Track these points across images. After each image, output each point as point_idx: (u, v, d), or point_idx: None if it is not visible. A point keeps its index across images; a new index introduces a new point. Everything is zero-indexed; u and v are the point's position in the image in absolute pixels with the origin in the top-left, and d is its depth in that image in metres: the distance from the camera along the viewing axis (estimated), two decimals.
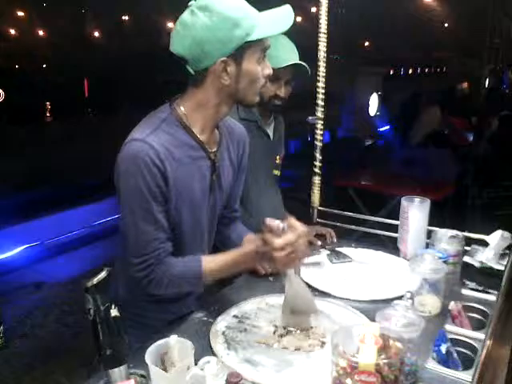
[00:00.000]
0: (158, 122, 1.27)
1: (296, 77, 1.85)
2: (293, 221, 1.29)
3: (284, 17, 1.27)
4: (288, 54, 1.81)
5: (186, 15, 1.23)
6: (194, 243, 1.41)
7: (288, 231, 1.26)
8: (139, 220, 1.25)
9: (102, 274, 1.03)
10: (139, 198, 1.23)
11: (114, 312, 1.02)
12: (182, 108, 1.30)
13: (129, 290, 1.41)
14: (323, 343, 1.30)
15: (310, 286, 1.62)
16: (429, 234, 1.79)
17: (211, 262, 1.34)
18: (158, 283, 1.29)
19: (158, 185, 1.24)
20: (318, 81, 2.18)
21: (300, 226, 1.28)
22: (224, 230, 1.58)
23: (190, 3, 1.24)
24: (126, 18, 22.45)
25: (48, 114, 11.86)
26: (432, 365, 1.20)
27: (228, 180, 1.46)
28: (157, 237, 1.28)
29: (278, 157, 2.07)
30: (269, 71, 1.30)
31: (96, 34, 22.65)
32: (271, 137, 2.01)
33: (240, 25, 1.20)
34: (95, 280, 1.02)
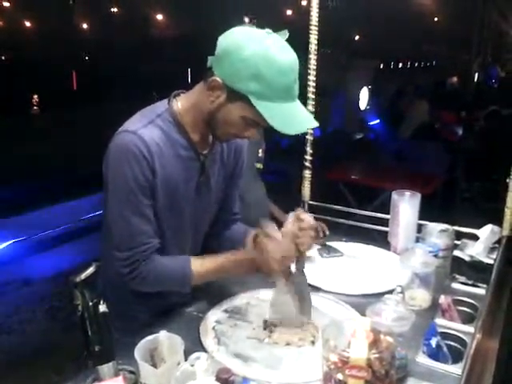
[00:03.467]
0: (153, 116, 1.26)
1: None
2: (302, 213, 1.30)
3: (298, 124, 1.18)
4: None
5: (258, 31, 1.16)
6: (175, 246, 1.37)
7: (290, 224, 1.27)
8: (126, 211, 1.23)
9: (90, 270, 1.01)
10: (127, 190, 1.22)
11: (102, 308, 1.01)
12: (180, 106, 1.28)
13: (112, 284, 1.37)
14: (314, 337, 1.29)
15: None
16: (419, 228, 1.79)
17: (199, 265, 1.32)
18: (143, 280, 1.27)
19: (146, 177, 1.22)
20: (309, 74, 2.16)
21: (308, 218, 1.30)
22: (224, 233, 1.54)
23: (269, 30, 1.16)
24: (115, 9, 22.22)
25: (35, 106, 11.74)
26: (422, 358, 1.20)
27: (219, 183, 1.43)
28: (144, 230, 1.26)
29: (260, 150, 2.08)
30: (250, 135, 1.26)
31: (84, 25, 22.42)
32: None
33: (258, 82, 1.11)
34: (83, 275, 1.00)
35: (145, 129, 1.22)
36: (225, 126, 1.23)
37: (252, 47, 1.11)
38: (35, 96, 11.94)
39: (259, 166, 2.10)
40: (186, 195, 1.34)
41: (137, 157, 1.19)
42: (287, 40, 1.18)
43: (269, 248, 1.27)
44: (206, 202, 1.41)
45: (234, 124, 1.22)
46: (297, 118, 1.18)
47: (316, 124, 1.22)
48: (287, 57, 1.14)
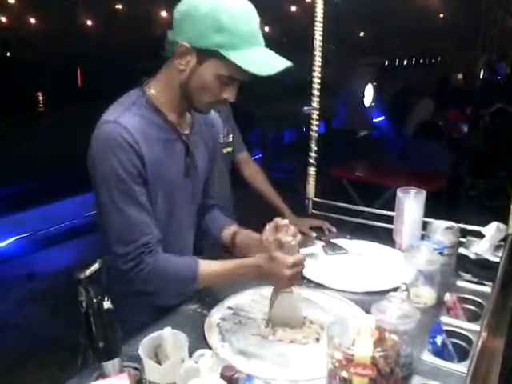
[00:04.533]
0: (129, 103, 1.24)
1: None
2: (282, 221, 1.28)
3: (273, 65, 1.18)
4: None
5: None
6: (169, 234, 1.34)
7: (282, 232, 1.26)
8: (120, 203, 1.20)
9: (95, 266, 1.01)
10: (117, 179, 1.18)
11: (106, 304, 1.01)
12: (152, 90, 1.27)
13: (116, 281, 1.35)
14: (318, 335, 1.29)
15: (304, 278, 1.62)
16: (424, 226, 1.78)
17: (208, 267, 1.28)
18: (147, 275, 1.22)
19: (135, 165, 1.20)
20: (314, 70, 2.16)
21: (292, 228, 1.28)
22: (200, 220, 1.52)
23: None
24: (119, 6, 22.22)
25: (40, 104, 11.77)
26: (427, 357, 1.20)
27: (204, 165, 1.42)
28: (143, 220, 1.22)
29: (220, 136, 1.96)
30: (228, 96, 1.24)
31: (89, 22, 22.43)
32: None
33: (222, 33, 1.14)
34: (88, 272, 1.00)
35: (124, 116, 1.20)
36: (201, 92, 1.23)
37: (207, 2, 1.15)
38: (39, 93, 11.98)
39: (228, 150, 2.06)
40: (176, 179, 1.32)
41: (122, 145, 1.17)
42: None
43: (280, 260, 1.22)
44: (195, 185, 1.40)
45: (209, 87, 1.21)
46: (270, 60, 1.20)
47: (289, 63, 1.20)
48: (241, 3, 1.18)
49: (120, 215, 1.20)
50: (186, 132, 1.34)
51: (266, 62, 1.18)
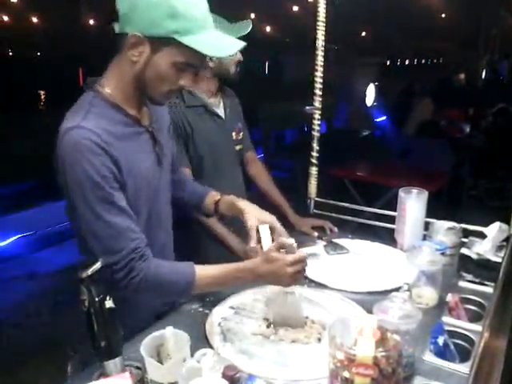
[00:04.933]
0: (86, 106, 1.19)
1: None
2: (287, 241, 1.27)
3: (230, 46, 1.20)
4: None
5: None
6: (151, 231, 1.31)
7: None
8: (101, 211, 1.14)
9: (97, 265, 1.01)
10: (93, 187, 1.13)
11: (108, 303, 1.00)
12: (107, 88, 1.23)
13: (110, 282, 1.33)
14: (320, 335, 1.29)
15: (306, 278, 1.62)
16: (426, 226, 1.78)
17: (203, 272, 1.25)
18: (140, 284, 1.17)
19: (110, 168, 1.15)
20: (316, 70, 2.16)
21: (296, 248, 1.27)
22: (174, 194, 1.51)
23: None
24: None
25: (42, 103, 11.78)
26: (429, 357, 1.20)
27: (170, 152, 1.42)
28: (127, 225, 1.17)
29: (233, 133, 2.05)
30: (184, 83, 1.22)
31: (91, 22, 22.45)
32: (222, 115, 2.00)
33: (176, 19, 1.12)
34: (90, 271, 1.00)
35: (86, 119, 1.15)
36: (158, 82, 1.20)
37: None
38: (42, 92, 11.99)
39: (239, 147, 2.09)
40: (152, 172, 1.31)
41: (92, 149, 1.12)
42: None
43: (280, 259, 1.22)
44: (167, 173, 1.40)
45: (166, 76, 1.19)
46: (225, 41, 1.20)
47: (243, 43, 1.21)
48: None
49: (102, 224, 1.15)
50: (147, 124, 1.32)
51: (222, 44, 1.19)
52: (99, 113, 1.19)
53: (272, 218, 1.41)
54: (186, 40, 1.13)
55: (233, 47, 1.20)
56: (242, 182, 2.14)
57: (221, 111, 2.00)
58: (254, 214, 1.40)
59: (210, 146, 1.93)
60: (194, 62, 1.20)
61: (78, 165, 1.12)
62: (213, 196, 1.56)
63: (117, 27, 1.19)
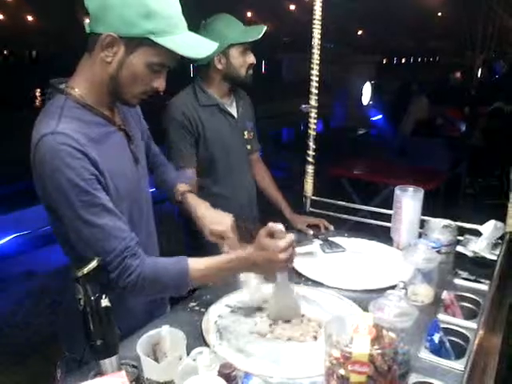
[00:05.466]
0: (58, 110, 1.15)
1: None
2: (276, 226, 1.26)
3: (203, 47, 1.20)
4: (246, 27, 1.90)
5: None
6: (141, 224, 1.34)
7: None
8: (88, 216, 1.12)
9: (93, 264, 1.01)
10: (77, 193, 1.10)
11: (104, 302, 1.01)
12: (77, 90, 1.19)
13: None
14: (316, 332, 1.29)
15: (302, 276, 1.63)
16: (422, 224, 1.79)
17: (197, 264, 1.24)
18: (137, 282, 1.16)
19: (90, 171, 1.13)
20: (312, 68, 2.15)
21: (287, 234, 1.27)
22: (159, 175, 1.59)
23: None
24: None
25: (38, 102, 11.74)
26: (425, 354, 1.20)
27: (143, 148, 1.43)
28: (116, 226, 1.16)
29: (245, 132, 2.09)
30: (157, 85, 1.21)
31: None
32: (235, 115, 2.04)
33: (152, 19, 1.11)
34: (86, 269, 1.00)
35: (61, 124, 1.12)
36: (132, 83, 1.18)
37: None
38: (38, 90, 11.96)
39: (250, 147, 2.13)
40: (130, 171, 1.30)
41: (71, 153, 1.10)
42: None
43: (272, 246, 1.23)
44: (144, 169, 1.40)
45: (139, 77, 1.17)
46: (199, 43, 1.20)
47: (216, 45, 1.23)
48: None
49: (91, 228, 1.13)
50: (119, 122, 1.31)
51: (197, 45, 1.19)
52: (72, 116, 1.16)
53: (224, 227, 1.45)
54: (162, 40, 1.13)
55: (207, 48, 1.20)
56: (252, 180, 2.18)
57: (233, 111, 2.04)
58: (206, 223, 1.47)
59: (222, 144, 1.97)
60: (169, 62, 1.19)
61: (58, 172, 1.09)
62: (182, 188, 1.57)
63: (89, 27, 1.16)
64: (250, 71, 1.97)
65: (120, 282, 1.15)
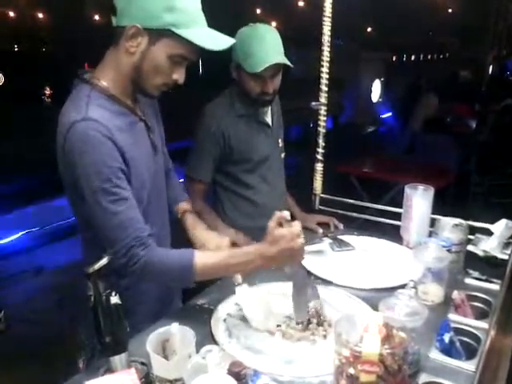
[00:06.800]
0: (85, 99, 1.20)
1: (284, 67, 1.80)
2: (284, 214, 1.26)
3: (223, 41, 1.24)
4: (268, 55, 1.73)
5: None
6: (157, 214, 1.39)
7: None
8: (106, 203, 1.17)
9: (103, 261, 1.02)
10: (102, 179, 1.15)
11: (114, 299, 1.01)
12: (103, 81, 1.24)
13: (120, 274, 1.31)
14: (326, 331, 1.29)
15: (311, 274, 1.62)
16: (432, 223, 1.77)
17: (204, 256, 1.26)
18: (143, 270, 1.19)
19: (116, 159, 1.18)
20: (322, 66, 2.15)
21: (296, 222, 1.27)
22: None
23: None
24: None
25: (48, 98, 11.80)
26: (435, 354, 1.19)
27: (160, 139, 1.46)
28: (131, 216, 1.20)
29: (279, 140, 2.05)
30: (177, 77, 1.26)
31: (96, 17, 22.46)
32: (270, 123, 1.98)
33: (173, 12, 1.17)
34: (96, 266, 1.00)
35: (90, 111, 1.17)
36: (154, 74, 1.23)
37: None
38: (48, 87, 12.02)
39: (282, 155, 2.09)
40: (149, 159, 1.34)
41: (100, 140, 1.15)
42: None
43: (288, 235, 1.23)
44: (161, 159, 1.44)
45: (161, 68, 1.22)
46: (219, 37, 1.25)
47: (234, 40, 1.28)
48: None
49: (109, 215, 1.18)
50: (140, 113, 1.35)
51: (216, 39, 1.24)
52: (99, 104, 1.21)
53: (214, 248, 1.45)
54: (182, 32, 1.18)
55: (226, 42, 1.25)
56: (285, 188, 2.12)
57: (269, 119, 1.97)
58: (199, 244, 1.48)
59: (259, 156, 1.92)
60: (190, 55, 1.24)
61: (87, 156, 1.15)
62: (183, 206, 1.57)
63: (114, 21, 1.22)
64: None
65: (126, 270, 1.20)
